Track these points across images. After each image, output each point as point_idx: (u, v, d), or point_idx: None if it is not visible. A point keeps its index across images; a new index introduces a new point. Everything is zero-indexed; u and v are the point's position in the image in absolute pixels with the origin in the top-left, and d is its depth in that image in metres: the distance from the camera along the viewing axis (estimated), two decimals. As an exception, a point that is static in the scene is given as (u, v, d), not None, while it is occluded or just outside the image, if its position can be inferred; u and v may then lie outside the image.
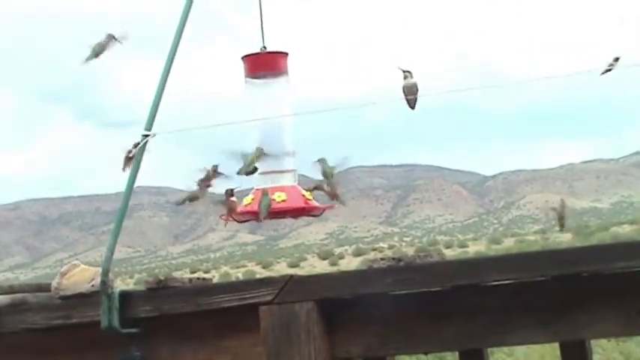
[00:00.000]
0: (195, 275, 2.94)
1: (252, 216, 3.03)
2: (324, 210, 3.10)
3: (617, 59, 2.59)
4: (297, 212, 3.05)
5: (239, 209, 3.03)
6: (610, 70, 2.59)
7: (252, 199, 3.01)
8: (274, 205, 2.93)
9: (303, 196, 3.03)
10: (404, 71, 2.86)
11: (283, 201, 2.95)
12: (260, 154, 2.92)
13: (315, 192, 3.08)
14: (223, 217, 3.05)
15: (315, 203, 3.06)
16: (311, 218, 3.22)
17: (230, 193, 2.98)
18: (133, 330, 2.74)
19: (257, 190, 3.02)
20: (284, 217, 3.10)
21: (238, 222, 3.08)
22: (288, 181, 3.02)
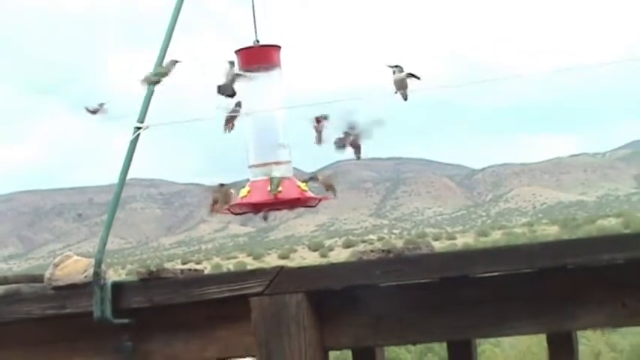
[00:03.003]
0: (187, 266, 2.94)
1: (248, 208, 3.03)
2: (319, 201, 3.10)
3: None
4: (293, 203, 3.04)
5: (235, 201, 3.02)
6: None
7: (249, 192, 3.00)
8: (271, 197, 2.93)
9: (299, 187, 3.03)
10: (392, 67, 2.86)
11: (279, 192, 2.94)
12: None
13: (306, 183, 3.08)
14: (218, 208, 3.04)
15: (310, 194, 3.06)
16: (301, 210, 3.21)
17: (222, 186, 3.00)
18: (126, 320, 2.74)
19: (253, 182, 3.01)
20: (280, 209, 3.09)
21: (234, 214, 3.07)
22: (283, 172, 3.01)
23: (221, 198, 2.99)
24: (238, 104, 2.96)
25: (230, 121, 2.96)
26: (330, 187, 3.10)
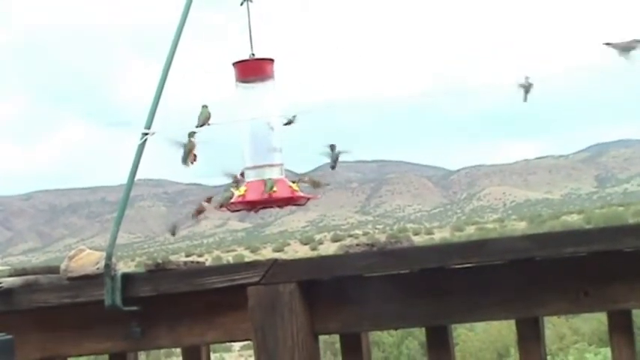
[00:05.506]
0: (190, 259, 2.93)
1: (244, 206, 3.02)
2: (308, 199, 3.09)
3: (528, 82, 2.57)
4: (285, 201, 3.04)
5: (232, 200, 3.01)
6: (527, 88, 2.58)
7: (245, 191, 2.99)
8: (265, 196, 2.92)
9: (290, 187, 3.02)
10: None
11: (273, 191, 2.93)
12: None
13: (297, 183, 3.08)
14: (219, 207, 3.03)
15: (300, 193, 3.05)
16: (294, 207, 3.20)
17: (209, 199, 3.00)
18: (134, 308, 2.73)
19: (249, 182, 3.00)
20: (273, 207, 3.08)
21: (231, 212, 3.07)
22: (276, 174, 3.00)
23: (227, 197, 2.98)
24: (191, 134, 2.94)
25: (190, 154, 2.93)
26: (317, 185, 3.10)
